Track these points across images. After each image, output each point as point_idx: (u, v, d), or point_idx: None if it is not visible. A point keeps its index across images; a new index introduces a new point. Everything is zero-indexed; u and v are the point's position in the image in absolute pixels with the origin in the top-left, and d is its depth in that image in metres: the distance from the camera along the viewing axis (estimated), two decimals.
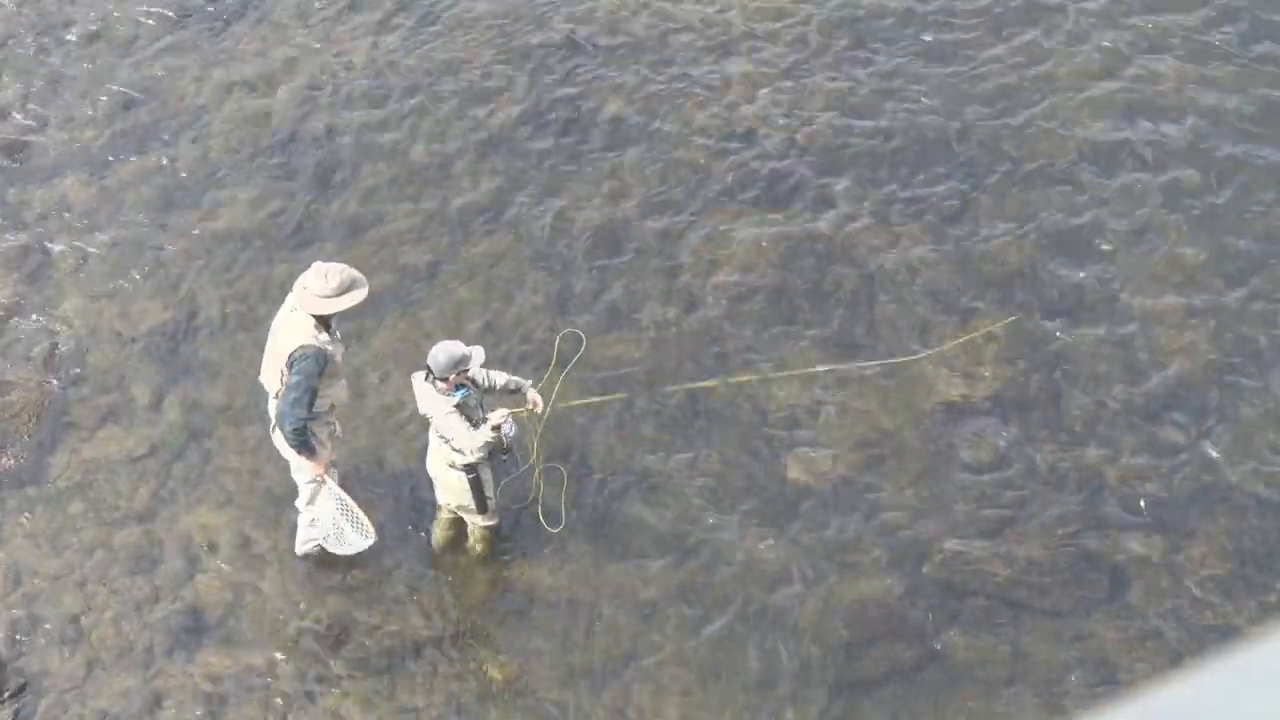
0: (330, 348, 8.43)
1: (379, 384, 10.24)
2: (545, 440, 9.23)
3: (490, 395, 8.84)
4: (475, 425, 8.51)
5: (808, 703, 8.79)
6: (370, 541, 8.77)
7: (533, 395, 8.82)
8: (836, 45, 12.97)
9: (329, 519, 8.78)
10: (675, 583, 9.35)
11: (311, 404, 8.41)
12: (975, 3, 13.30)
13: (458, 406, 8.47)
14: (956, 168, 11.87)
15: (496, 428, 8.43)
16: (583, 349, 9.34)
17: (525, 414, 8.89)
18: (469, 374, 8.52)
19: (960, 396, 10.30)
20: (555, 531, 9.34)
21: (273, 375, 8.56)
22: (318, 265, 8.44)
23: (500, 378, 8.81)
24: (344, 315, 8.77)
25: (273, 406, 8.59)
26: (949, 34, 13.05)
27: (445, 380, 8.44)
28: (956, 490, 9.78)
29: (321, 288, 8.32)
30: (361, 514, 8.72)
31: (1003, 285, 11.00)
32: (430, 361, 8.46)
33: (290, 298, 8.55)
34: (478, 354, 8.55)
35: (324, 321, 8.47)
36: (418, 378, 8.61)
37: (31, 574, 9.35)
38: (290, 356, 8.36)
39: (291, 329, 8.45)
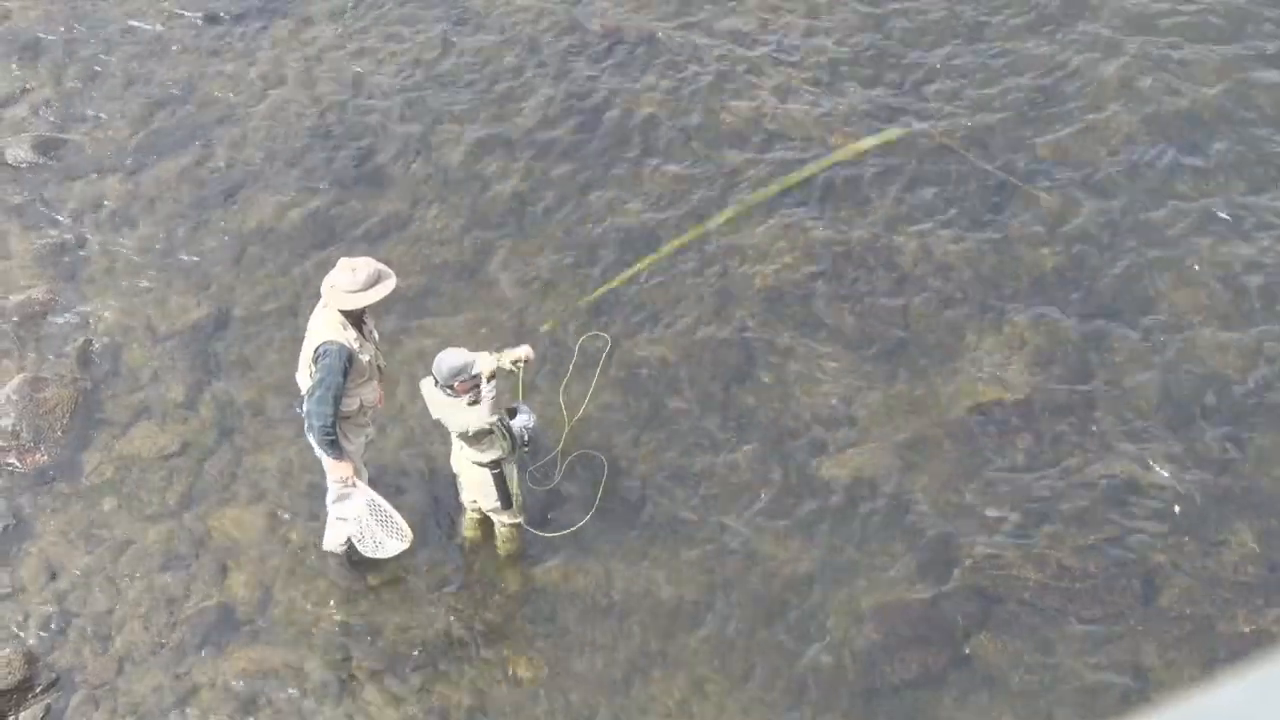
0: (357, 346, 8.43)
1: (409, 383, 10.26)
2: (574, 436, 9.19)
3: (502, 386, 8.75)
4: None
5: (836, 706, 8.76)
6: (405, 544, 8.76)
7: (487, 363, 8.49)
8: (869, 50, 12.94)
9: (362, 522, 8.77)
10: (704, 583, 9.34)
11: (337, 402, 8.41)
12: (1009, 5, 13.27)
13: (470, 405, 8.45)
14: (990, 169, 11.82)
15: (492, 377, 8.34)
16: (606, 349, 9.27)
17: (518, 364, 8.66)
18: (475, 380, 8.45)
19: (992, 400, 10.26)
20: (576, 527, 9.35)
21: (304, 374, 8.59)
22: (344, 261, 8.46)
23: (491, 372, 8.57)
24: (375, 310, 8.78)
25: (304, 406, 8.61)
26: (982, 37, 13.01)
27: (451, 388, 8.44)
28: (988, 494, 9.74)
29: (349, 282, 8.33)
30: (397, 516, 8.71)
31: (1036, 288, 10.95)
32: (435, 371, 8.46)
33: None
34: (482, 362, 8.46)
35: (354, 319, 8.47)
36: (427, 384, 8.60)
37: (64, 570, 9.40)
38: (315, 352, 8.40)
39: (318, 326, 8.48)
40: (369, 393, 8.70)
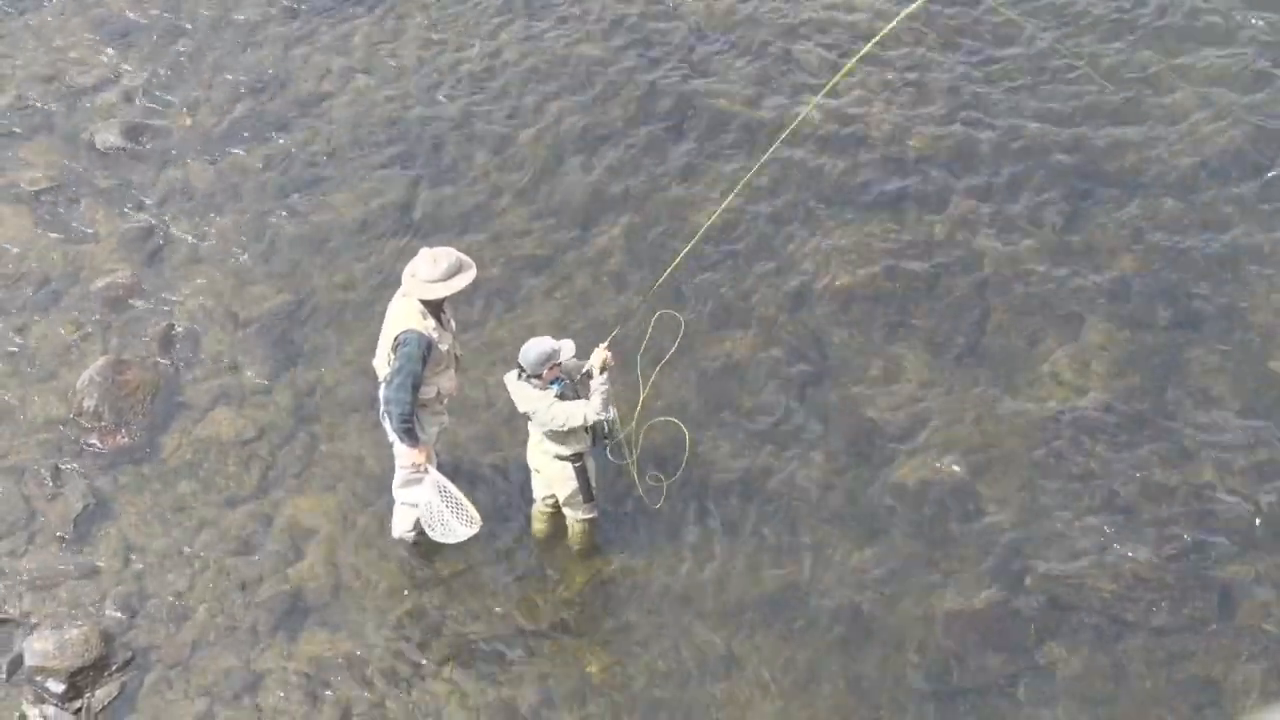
0: (436, 335, 8.49)
1: (487, 375, 10.30)
2: (644, 436, 9.12)
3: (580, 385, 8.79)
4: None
5: (904, 711, 8.71)
6: (474, 530, 8.80)
7: (599, 356, 8.50)
8: (953, 53, 12.85)
9: (432, 507, 8.82)
10: (774, 585, 9.31)
11: (415, 389, 8.48)
12: (1094, 13, 13.12)
13: (559, 397, 8.50)
14: (1072, 176, 11.71)
15: (604, 369, 8.39)
16: (681, 332, 9.14)
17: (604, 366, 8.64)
18: (561, 367, 8.54)
19: (1070, 406, 10.15)
20: (656, 507, 9.31)
21: (382, 361, 8.66)
22: (425, 251, 8.53)
23: (575, 365, 8.71)
24: (455, 301, 8.84)
25: (382, 392, 8.68)
26: (1067, 43, 12.87)
27: (539, 376, 8.48)
28: (1062, 502, 9.64)
29: (430, 272, 8.41)
30: (466, 501, 8.76)
31: (1115, 295, 10.83)
32: (521, 360, 8.51)
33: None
34: (567, 347, 8.56)
35: (433, 308, 8.54)
36: (511, 377, 8.64)
37: (141, 550, 9.53)
38: (395, 340, 8.47)
39: (398, 314, 8.55)
40: (446, 381, 8.77)
